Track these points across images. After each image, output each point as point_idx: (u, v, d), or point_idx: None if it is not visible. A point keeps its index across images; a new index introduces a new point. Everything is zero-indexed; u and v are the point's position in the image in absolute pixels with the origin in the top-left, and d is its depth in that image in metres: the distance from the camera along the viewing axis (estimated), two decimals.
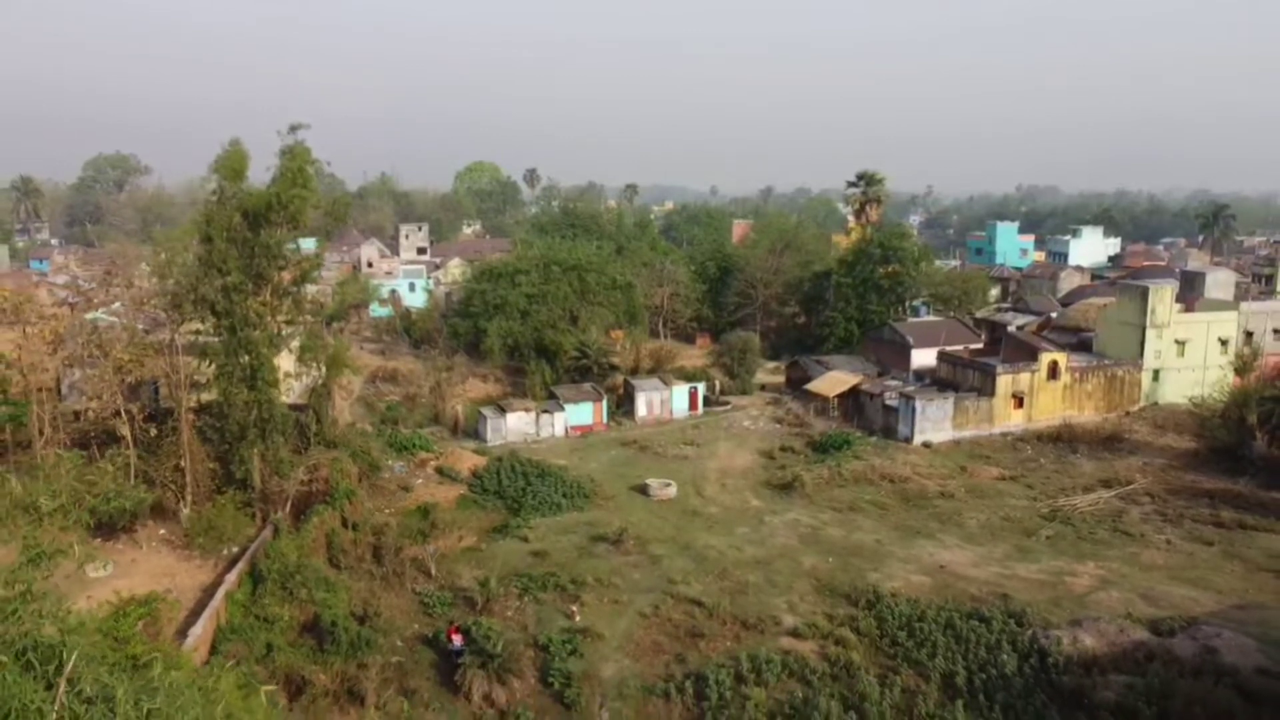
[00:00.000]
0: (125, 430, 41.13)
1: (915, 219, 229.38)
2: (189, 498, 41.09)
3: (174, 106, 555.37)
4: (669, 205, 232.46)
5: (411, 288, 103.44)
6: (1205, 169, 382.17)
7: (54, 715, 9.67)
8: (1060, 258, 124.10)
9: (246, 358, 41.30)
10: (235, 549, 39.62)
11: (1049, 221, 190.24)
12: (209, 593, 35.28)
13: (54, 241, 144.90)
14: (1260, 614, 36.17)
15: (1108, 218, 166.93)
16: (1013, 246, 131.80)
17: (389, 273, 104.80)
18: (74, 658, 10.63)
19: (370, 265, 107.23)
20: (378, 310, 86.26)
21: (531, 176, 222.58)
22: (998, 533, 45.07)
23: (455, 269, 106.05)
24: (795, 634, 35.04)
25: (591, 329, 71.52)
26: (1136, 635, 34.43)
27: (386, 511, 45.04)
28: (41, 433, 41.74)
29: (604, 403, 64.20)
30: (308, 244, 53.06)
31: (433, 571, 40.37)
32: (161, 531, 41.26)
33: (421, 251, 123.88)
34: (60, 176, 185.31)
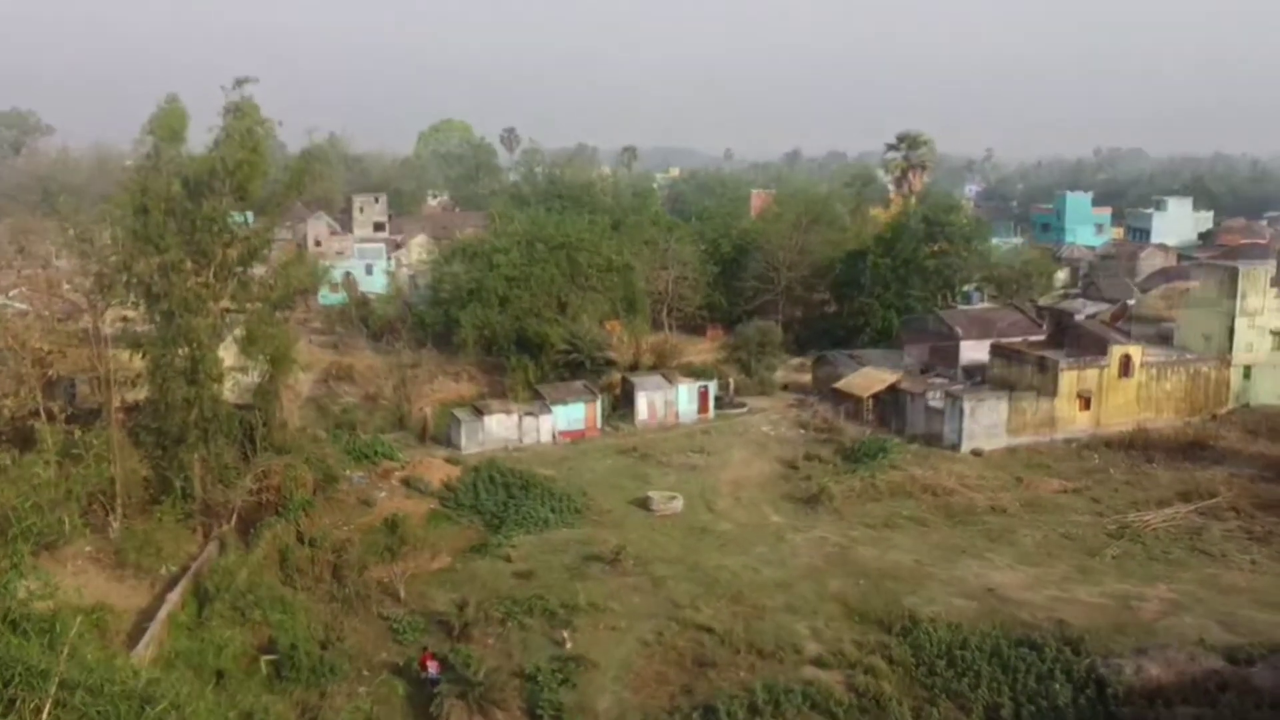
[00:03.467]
0: (46, 433, 43.31)
1: (971, 189, 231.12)
2: (119, 510, 43.25)
3: (81, 54, 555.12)
4: (675, 172, 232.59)
5: (369, 270, 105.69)
6: None
7: (57, 679, 11.78)
8: (1141, 235, 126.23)
9: (186, 349, 43.63)
10: (175, 568, 41.78)
11: (1131, 191, 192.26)
12: (147, 616, 37.41)
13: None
14: None
15: (1201, 187, 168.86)
16: (1085, 221, 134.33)
17: (340, 252, 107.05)
18: (75, 628, 12.76)
19: (319, 244, 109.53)
20: (329, 297, 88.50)
21: (510, 137, 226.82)
22: (1056, 552, 47.66)
23: (420, 248, 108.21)
24: (819, 663, 37.16)
25: (583, 318, 73.62)
26: (1210, 664, 36.72)
27: (346, 528, 47.28)
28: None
29: (598, 404, 66.65)
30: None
31: (402, 594, 42.11)
32: (88, 549, 43.26)
33: (379, 228, 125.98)
34: None
